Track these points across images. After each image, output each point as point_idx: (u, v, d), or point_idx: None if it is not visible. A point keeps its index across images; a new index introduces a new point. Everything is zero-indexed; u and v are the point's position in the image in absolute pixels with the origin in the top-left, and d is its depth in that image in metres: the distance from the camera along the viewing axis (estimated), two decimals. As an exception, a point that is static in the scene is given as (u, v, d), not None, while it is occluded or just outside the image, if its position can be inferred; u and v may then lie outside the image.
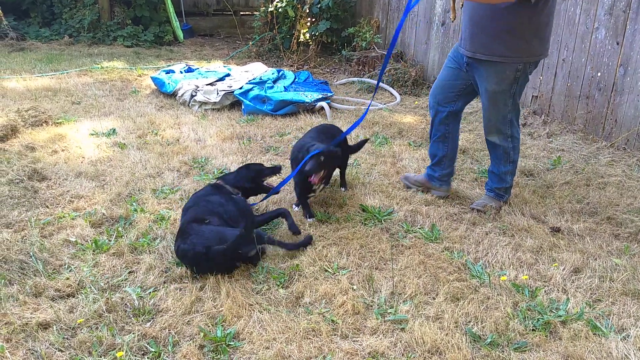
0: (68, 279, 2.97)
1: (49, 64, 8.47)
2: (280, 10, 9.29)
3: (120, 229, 3.56)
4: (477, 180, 4.49)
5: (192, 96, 6.54)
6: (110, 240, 3.43)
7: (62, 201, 3.93)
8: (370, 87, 7.61)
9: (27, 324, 2.60)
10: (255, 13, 10.43)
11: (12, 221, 3.56)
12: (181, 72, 7.42)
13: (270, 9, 9.37)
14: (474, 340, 2.59)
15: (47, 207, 3.84)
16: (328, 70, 9.08)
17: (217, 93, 6.49)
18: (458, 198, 4.14)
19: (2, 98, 6.43)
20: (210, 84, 6.77)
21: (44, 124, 5.46)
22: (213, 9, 12.29)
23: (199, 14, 12.19)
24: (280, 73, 7.33)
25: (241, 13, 12.14)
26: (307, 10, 9.33)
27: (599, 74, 5.16)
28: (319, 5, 9.21)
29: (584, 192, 4.20)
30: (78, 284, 2.93)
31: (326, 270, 3.15)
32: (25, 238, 3.36)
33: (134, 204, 3.92)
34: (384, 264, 3.24)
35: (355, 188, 4.30)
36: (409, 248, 3.41)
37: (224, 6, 12.09)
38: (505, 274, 3.10)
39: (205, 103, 6.44)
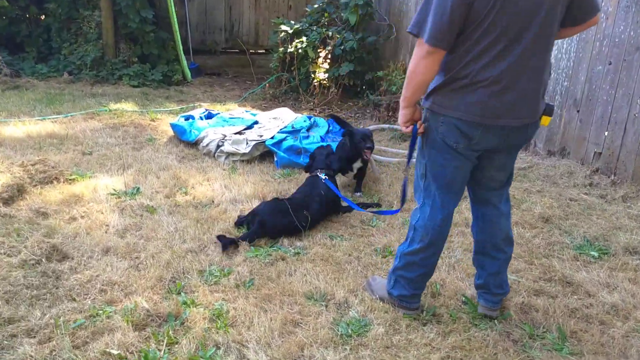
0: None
1: (49, 105, 7.66)
2: (300, 51, 8.70)
3: (171, 332, 2.78)
4: (577, 258, 3.79)
5: (218, 146, 5.81)
6: (160, 350, 2.64)
7: (92, 290, 3.12)
8: (403, 136, 6.97)
9: None
10: (261, 52, 9.78)
11: (35, 326, 2.72)
12: (201, 118, 6.69)
13: (289, 50, 8.76)
14: None
15: (74, 299, 3.02)
16: (352, 115, 8.45)
17: (247, 143, 5.78)
18: (569, 285, 3.44)
19: (1, 147, 5.61)
20: (239, 133, 6.06)
21: (54, 181, 4.65)
22: (221, 47, 11.68)
23: (207, 51, 11.55)
24: (312, 120, 6.66)
25: (250, 52, 11.52)
26: (329, 53, 8.76)
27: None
28: (342, 47, 8.65)
29: None
30: None
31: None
32: (55, 354, 2.55)
33: (182, 294, 3.14)
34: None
35: (440, 269, 3.57)
36: (546, 363, 2.68)
37: (234, 44, 11.49)
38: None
39: (234, 154, 5.71)
